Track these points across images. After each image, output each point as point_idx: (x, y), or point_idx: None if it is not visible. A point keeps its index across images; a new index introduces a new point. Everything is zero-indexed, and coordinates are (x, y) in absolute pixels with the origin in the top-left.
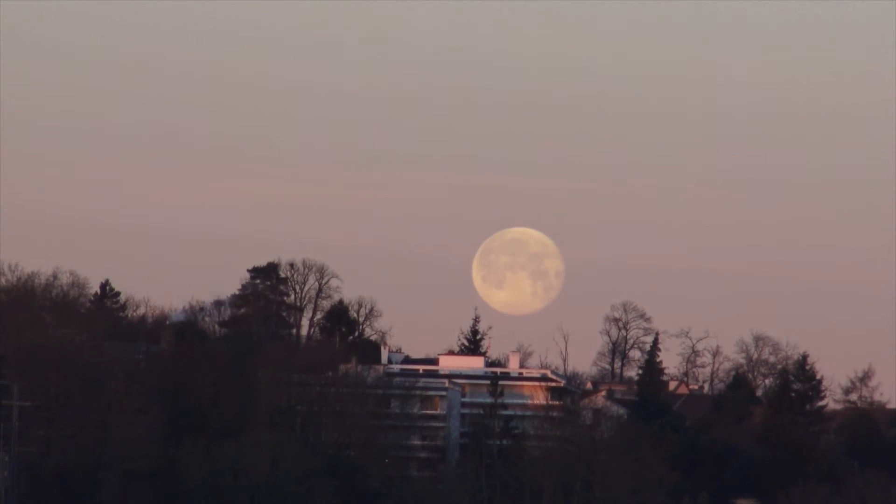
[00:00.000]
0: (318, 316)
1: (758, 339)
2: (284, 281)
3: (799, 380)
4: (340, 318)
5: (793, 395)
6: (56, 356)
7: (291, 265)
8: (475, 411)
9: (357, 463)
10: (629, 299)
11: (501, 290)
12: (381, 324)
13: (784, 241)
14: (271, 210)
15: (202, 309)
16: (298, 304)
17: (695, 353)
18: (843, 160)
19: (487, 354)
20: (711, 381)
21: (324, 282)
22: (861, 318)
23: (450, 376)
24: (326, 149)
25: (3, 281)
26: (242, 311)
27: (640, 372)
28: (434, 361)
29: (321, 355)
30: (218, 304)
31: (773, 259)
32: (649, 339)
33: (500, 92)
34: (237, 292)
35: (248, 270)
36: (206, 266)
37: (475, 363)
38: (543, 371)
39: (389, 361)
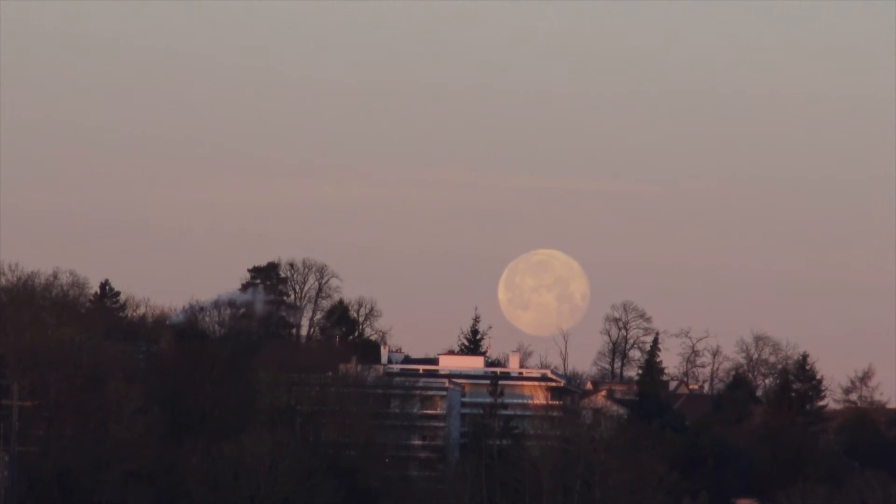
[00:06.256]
0: (318, 316)
1: (758, 339)
2: (284, 281)
3: (799, 380)
4: (340, 318)
5: (793, 395)
6: (56, 356)
7: (291, 265)
8: (475, 411)
9: (357, 463)
10: (629, 299)
11: (527, 311)
12: (381, 324)
13: (784, 240)
14: (271, 210)
15: (202, 309)
16: (298, 304)
17: (695, 352)
18: (843, 159)
19: (487, 354)
20: (711, 380)
21: (324, 282)
22: (861, 318)
23: (450, 376)
24: (326, 148)
25: (3, 281)
26: (242, 310)
27: (640, 372)
28: (434, 361)
29: (321, 355)
30: (217, 303)
31: (774, 258)
32: (649, 339)
33: (502, 91)
34: (237, 292)
35: (248, 270)
36: (206, 266)
37: (475, 363)
38: (543, 371)
39: (389, 361)
